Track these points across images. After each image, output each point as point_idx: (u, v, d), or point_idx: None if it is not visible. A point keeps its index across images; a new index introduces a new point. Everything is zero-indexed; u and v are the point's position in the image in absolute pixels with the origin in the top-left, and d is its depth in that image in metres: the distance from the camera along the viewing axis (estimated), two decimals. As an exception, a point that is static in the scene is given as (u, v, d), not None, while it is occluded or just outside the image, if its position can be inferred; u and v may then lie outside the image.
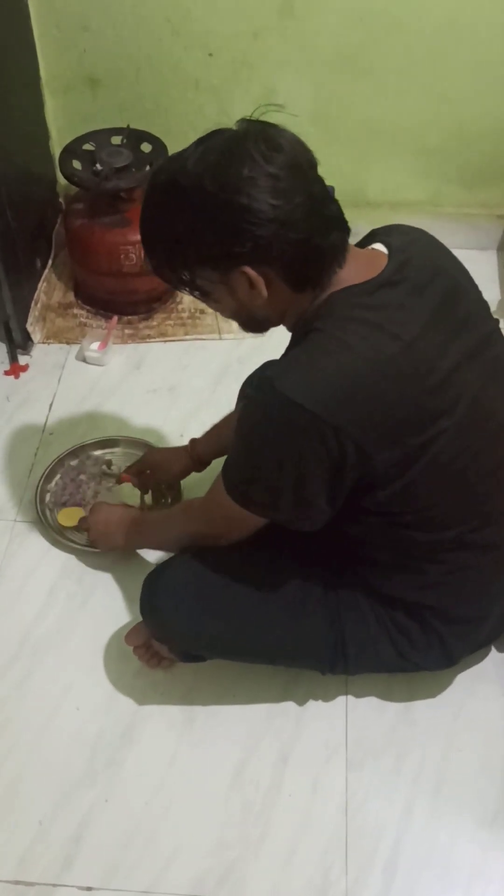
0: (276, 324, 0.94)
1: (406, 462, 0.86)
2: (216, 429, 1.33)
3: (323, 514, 0.91)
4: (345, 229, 0.86)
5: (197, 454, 1.32)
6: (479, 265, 0.97)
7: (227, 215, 0.80)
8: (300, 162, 0.82)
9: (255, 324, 0.95)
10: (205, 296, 0.91)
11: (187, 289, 0.90)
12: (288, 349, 0.94)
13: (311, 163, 0.84)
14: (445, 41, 1.63)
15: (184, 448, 1.35)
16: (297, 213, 0.80)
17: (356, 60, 1.66)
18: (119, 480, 1.38)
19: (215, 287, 0.88)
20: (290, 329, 0.95)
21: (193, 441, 1.34)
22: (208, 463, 1.34)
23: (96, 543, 1.31)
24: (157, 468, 1.36)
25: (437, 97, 1.72)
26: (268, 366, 1.00)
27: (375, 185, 1.87)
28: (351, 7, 1.59)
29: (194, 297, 0.91)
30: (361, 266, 0.87)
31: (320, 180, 0.85)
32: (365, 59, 1.66)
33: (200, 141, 0.84)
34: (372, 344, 0.83)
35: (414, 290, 0.87)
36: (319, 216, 0.83)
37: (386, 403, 0.83)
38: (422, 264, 0.90)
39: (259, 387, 0.86)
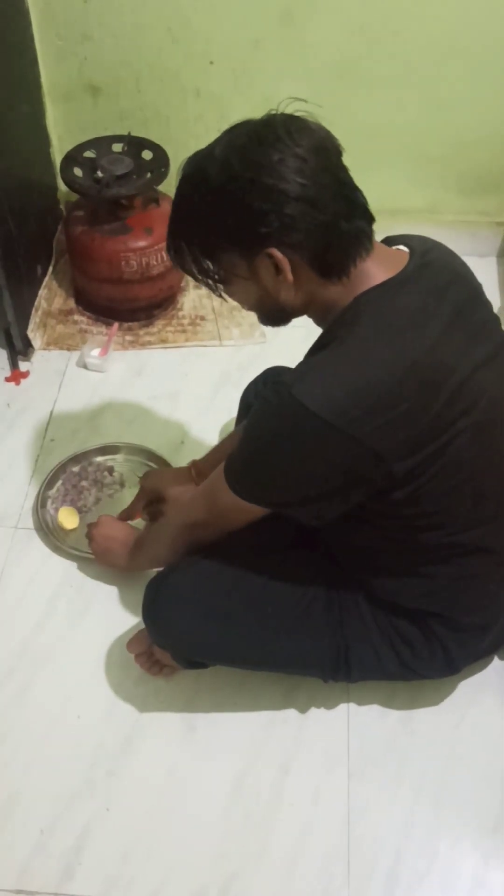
0: (300, 313, 0.92)
1: (424, 464, 0.86)
2: (218, 451, 1.30)
3: (331, 514, 0.91)
4: (369, 218, 0.86)
5: (201, 476, 1.26)
6: (478, 272, 0.98)
7: (255, 194, 0.79)
8: (327, 146, 0.82)
9: (277, 314, 0.93)
10: (227, 285, 0.90)
11: (210, 279, 0.89)
12: (308, 355, 0.92)
13: (338, 149, 0.84)
14: (444, 50, 1.64)
15: (187, 470, 1.31)
16: (325, 195, 0.80)
17: (355, 69, 1.67)
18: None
19: (239, 273, 0.86)
20: (317, 322, 0.93)
21: (196, 463, 1.31)
22: None
23: (96, 557, 1.30)
24: (167, 497, 1.30)
25: (435, 105, 1.72)
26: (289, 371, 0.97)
27: (374, 193, 1.81)
28: (350, 16, 1.60)
29: (215, 289, 0.90)
30: (386, 262, 0.87)
31: (346, 169, 0.84)
32: (364, 67, 1.67)
33: (227, 131, 0.84)
34: (394, 350, 0.82)
35: (434, 291, 0.87)
36: (346, 200, 0.83)
37: (407, 412, 0.82)
38: (442, 268, 0.90)
39: (276, 391, 0.85)
